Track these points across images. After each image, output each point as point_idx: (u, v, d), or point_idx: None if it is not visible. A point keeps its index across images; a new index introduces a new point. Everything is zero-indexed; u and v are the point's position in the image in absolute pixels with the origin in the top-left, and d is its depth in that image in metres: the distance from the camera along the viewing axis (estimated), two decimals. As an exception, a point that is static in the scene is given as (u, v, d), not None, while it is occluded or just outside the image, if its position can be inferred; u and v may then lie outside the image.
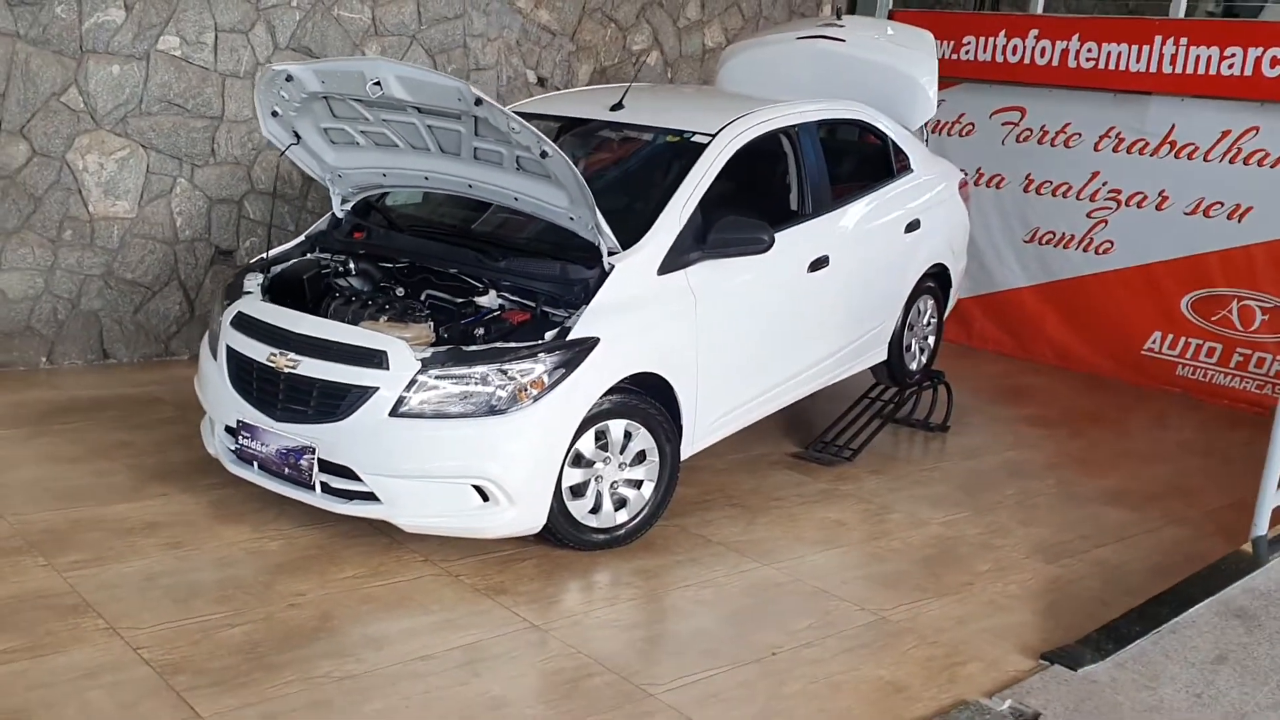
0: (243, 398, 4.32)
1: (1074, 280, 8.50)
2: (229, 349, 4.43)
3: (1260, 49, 7.50)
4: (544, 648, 3.72)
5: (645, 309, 4.47)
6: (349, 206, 5.11)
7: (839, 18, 6.93)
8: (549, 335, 4.20)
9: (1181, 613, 4.01)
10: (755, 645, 3.83)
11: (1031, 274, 8.72)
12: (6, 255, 6.00)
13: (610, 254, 4.41)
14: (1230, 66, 7.66)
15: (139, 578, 3.89)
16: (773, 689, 3.57)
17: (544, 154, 4.08)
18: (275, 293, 4.71)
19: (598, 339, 4.22)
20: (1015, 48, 8.67)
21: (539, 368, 4.10)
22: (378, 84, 4.18)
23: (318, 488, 4.18)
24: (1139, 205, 8.17)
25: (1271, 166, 7.59)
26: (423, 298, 4.67)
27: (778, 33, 7.39)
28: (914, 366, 6.50)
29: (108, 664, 3.34)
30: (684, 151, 5.03)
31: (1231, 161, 7.77)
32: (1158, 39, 7.98)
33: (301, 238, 5.10)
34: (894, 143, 6.19)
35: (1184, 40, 7.85)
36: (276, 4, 6.63)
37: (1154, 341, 8.12)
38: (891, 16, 9.49)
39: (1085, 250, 8.43)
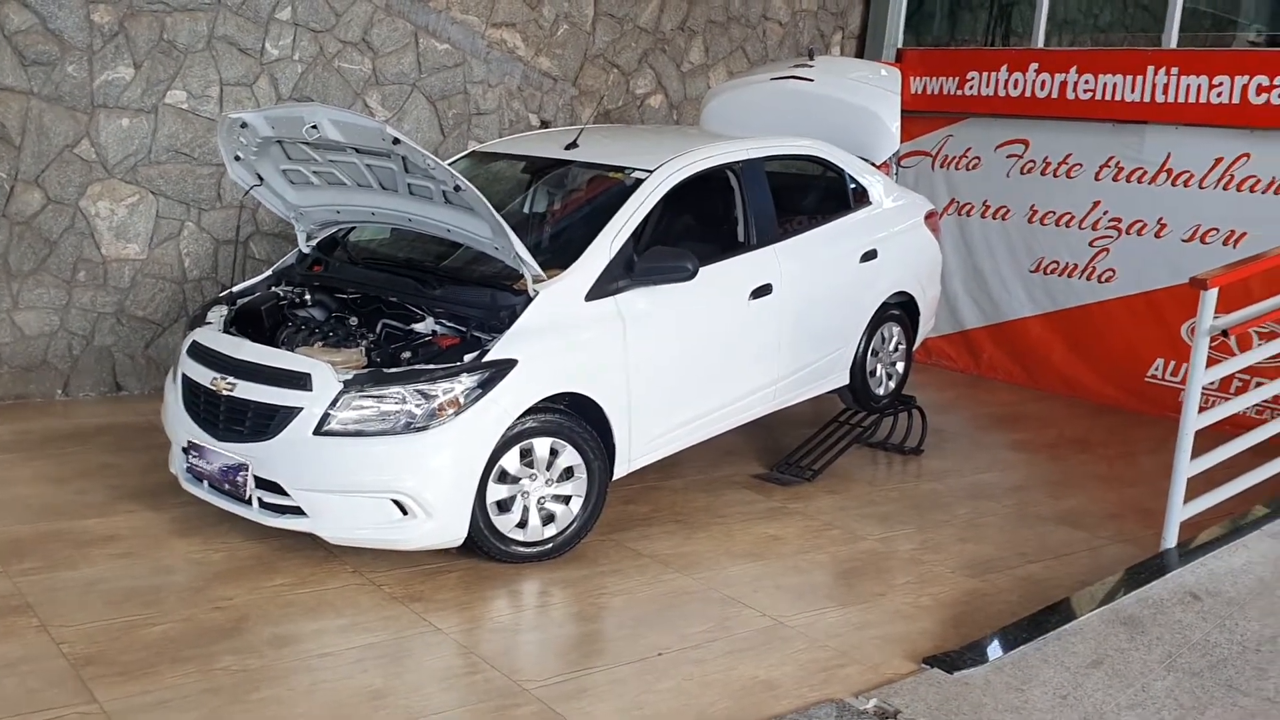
0: (192, 420, 4.68)
1: (1079, 309, 8.54)
2: (184, 375, 4.80)
3: (1246, 77, 7.55)
4: (439, 649, 3.96)
5: (570, 333, 4.73)
6: (314, 242, 5.48)
7: (811, 58, 7.16)
8: (468, 357, 4.47)
9: (1072, 620, 4.08)
10: (644, 647, 4.03)
11: (1038, 303, 8.78)
12: (24, 295, 6.50)
13: (535, 281, 4.68)
14: (1219, 95, 7.70)
15: (83, 583, 4.24)
16: (645, 685, 3.76)
17: (457, 188, 4.40)
18: (240, 323, 5.08)
19: (515, 361, 4.48)
20: (1017, 82, 8.80)
21: (456, 388, 4.38)
22: (314, 127, 4.54)
23: (254, 503, 4.51)
24: (1139, 233, 8.21)
25: (1263, 192, 7.59)
26: (379, 326, 5.00)
27: (754, 74, 7.66)
28: (881, 391, 6.63)
29: (28, 656, 3.67)
30: (624, 186, 5.30)
31: (1225, 188, 7.78)
32: (1150, 69, 8.05)
33: (269, 272, 5.48)
34: (851, 176, 6.38)
35: (1175, 70, 7.92)
36: (280, 58, 7.09)
37: (1157, 368, 8.12)
38: (899, 54, 9.69)
39: (1089, 279, 8.48)
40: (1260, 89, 7.46)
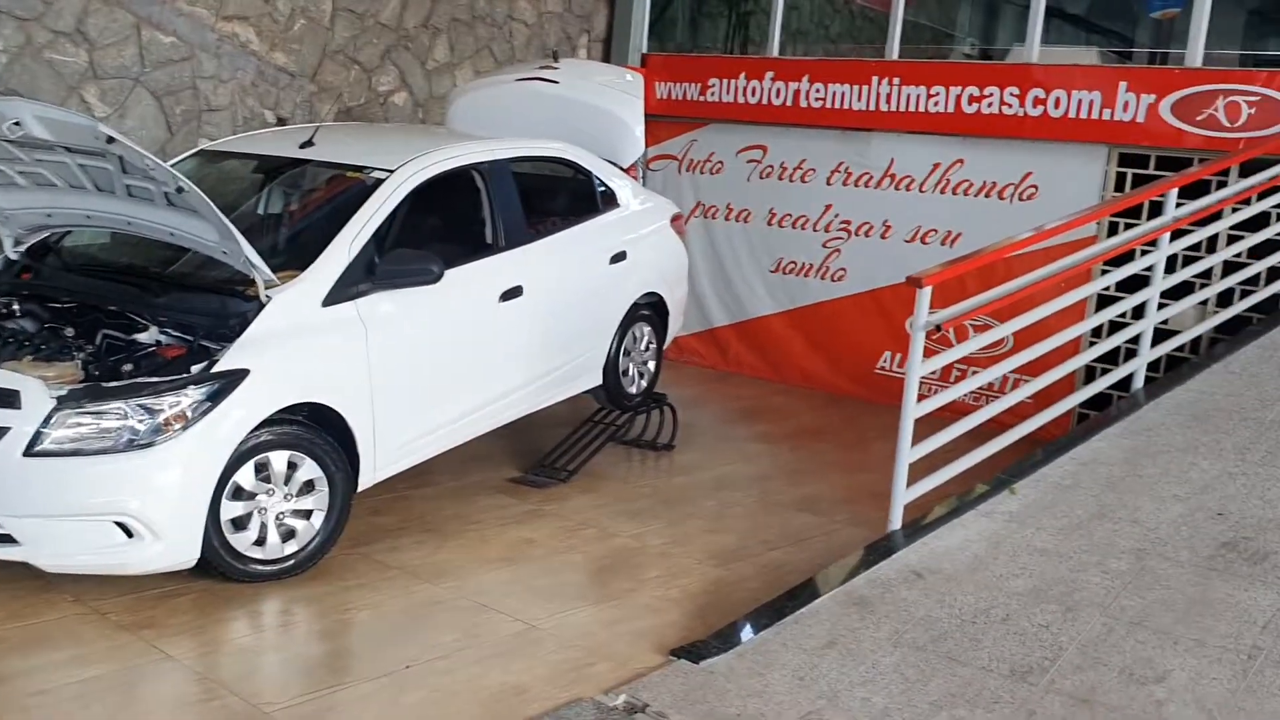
0: (-120, 443, 4.23)
1: (814, 306, 8.96)
2: None
3: (960, 88, 8.10)
4: (172, 677, 3.76)
5: (306, 340, 4.57)
6: (23, 248, 5.07)
7: (556, 60, 7.21)
8: (195, 369, 4.25)
9: (808, 604, 4.27)
10: (391, 661, 3.94)
11: (779, 301, 9.15)
12: None
13: (267, 286, 4.50)
14: (936, 104, 8.23)
15: None
16: (391, 699, 3.68)
17: (179, 190, 4.17)
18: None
19: (247, 371, 4.29)
20: (754, 89, 9.12)
21: (183, 401, 4.15)
22: (17, 124, 4.20)
23: (-45, 532, 4.12)
24: (866, 234, 8.68)
25: (975, 195, 8.16)
26: (98, 337, 4.67)
27: (500, 74, 7.65)
28: (634, 390, 6.75)
29: None
30: (364, 186, 5.17)
31: (942, 192, 8.33)
32: (875, 79, 8.51)
33: (-30, 281, 5.04)
34: (599, 179, 6.46)
35: (897, 80, 8.40)
36: (-20, 47, 6.53)
37: (885, 361, 8.60)
38: (644, 59, 9.87)
39: (823, 278, 8.91)
40: (972, 99, 8.03)
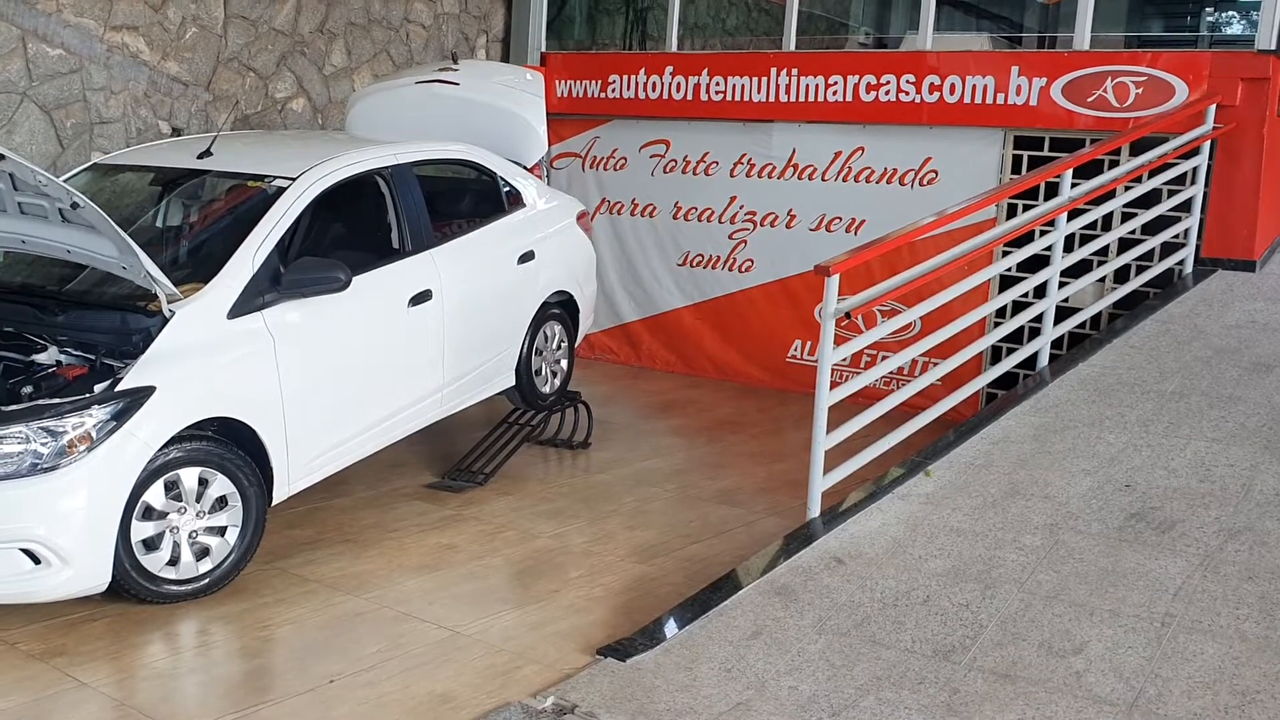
0: None
1: (723, 298, 9.03)
2: None
3: (857, 76, 8.21)
4: (87, 705, 3.65)
5: (213, 354, 4.47)
6: (-92, 271, 4.88)
7: (455, 61, 7.15)
8: (99, 388, 4.13)
9: (731, 595, 4.30)
10: (315, 676, 3.88)
11: (688, 295, 9.20)
12: None
13: (170, 300, 4.39)
14: (835, 93, 8.34)
15: None
16: (318, 716, 3.62)
17: (74, 205, 4.06)
18: None
19: (153, 388, 4.19)
20: (655, 84, 9.15)
21: (87, 422, 4.04)
22: (-105, 142, 4.04)
23: None
24: (772, 224, 8.76)
25: (877, 182, 8.29)
26: (-7, 361, 4.51)
27: (398, 78, 7.57)
28: (547, 389, 6.73)
29: None
30: (265, 195, 5.07)
31: (845, 180, 8.45)
32: (774, 70, 8.59)
33: None
34: (504, 179, 6.43)
35: (795, 71, 8.50)
36: None
37: (795, 349, 8.70)
38: (543, 58, 9.84)
39: (730, 269, 8.97)
40: (869, 87, 8.15)
